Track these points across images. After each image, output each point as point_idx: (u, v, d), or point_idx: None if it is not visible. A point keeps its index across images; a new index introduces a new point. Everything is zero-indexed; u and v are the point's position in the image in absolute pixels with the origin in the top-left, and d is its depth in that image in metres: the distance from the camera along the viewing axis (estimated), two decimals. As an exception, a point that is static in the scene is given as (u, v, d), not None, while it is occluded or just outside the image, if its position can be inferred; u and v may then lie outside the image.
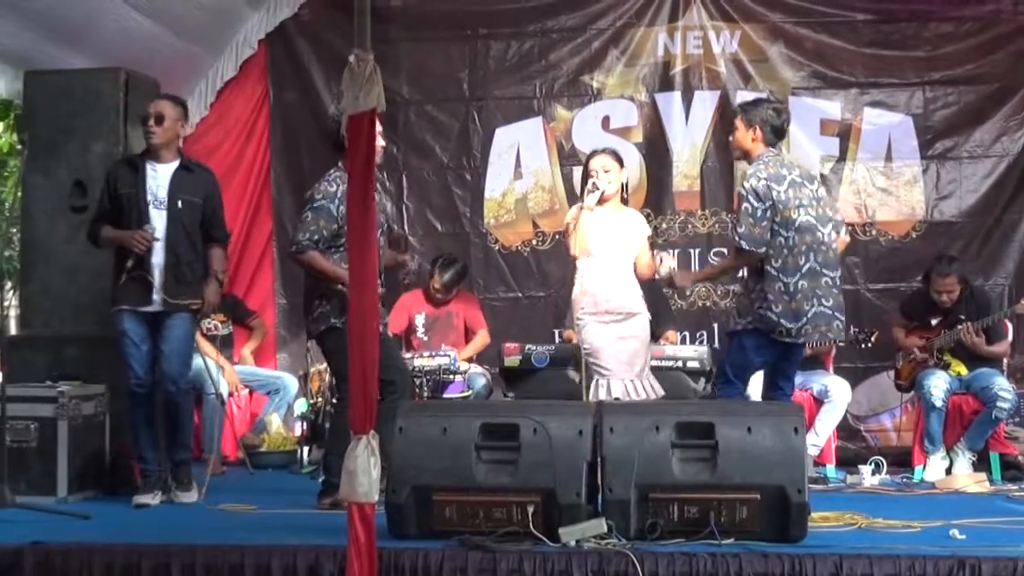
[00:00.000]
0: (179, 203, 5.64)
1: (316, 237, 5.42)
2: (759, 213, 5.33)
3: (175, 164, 5.71)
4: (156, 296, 5.58)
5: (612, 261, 5.83)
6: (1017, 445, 6.75)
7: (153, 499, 5.52)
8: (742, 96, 7.68)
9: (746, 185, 5.42)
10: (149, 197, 5.61)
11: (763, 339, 5.41)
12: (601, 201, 5.81)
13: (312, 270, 5.49)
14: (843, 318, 5.56)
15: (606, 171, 5.86)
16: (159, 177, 5.65)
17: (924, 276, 6.94)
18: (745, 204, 5.39)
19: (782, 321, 5.33)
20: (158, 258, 5.57)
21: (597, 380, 5.74)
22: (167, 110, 5.72)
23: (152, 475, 5.59)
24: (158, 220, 5.60)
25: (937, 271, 6.78)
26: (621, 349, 5.75)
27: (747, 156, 5.60)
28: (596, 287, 5.79)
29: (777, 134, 5.54)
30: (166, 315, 5.61)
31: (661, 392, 5.82)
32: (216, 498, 5.60)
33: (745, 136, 5.55)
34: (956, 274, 6.77)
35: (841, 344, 7.02)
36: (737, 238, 5.44)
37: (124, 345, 5.60)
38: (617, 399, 5.55)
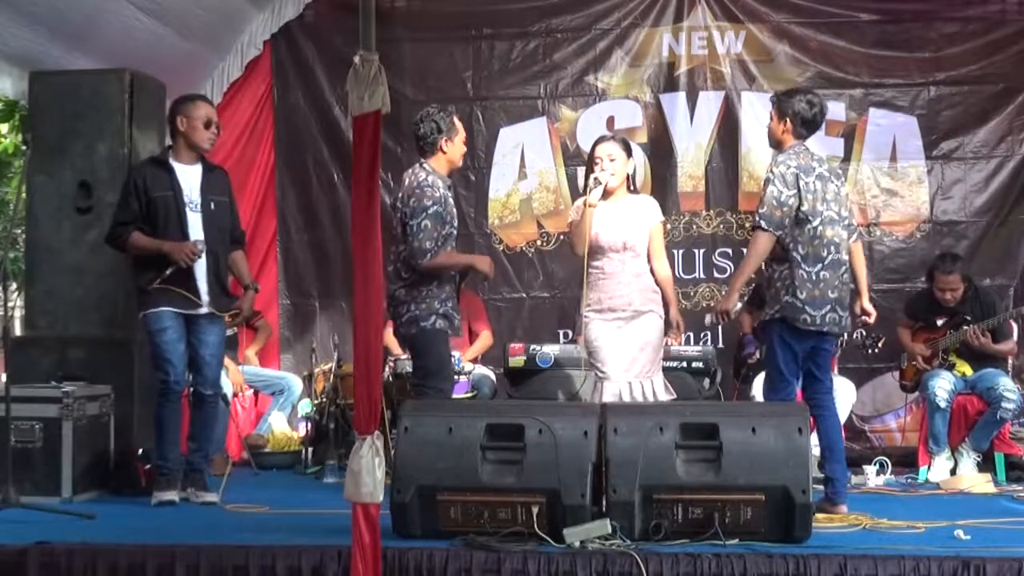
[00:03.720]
0: (211, 204, 5.65)
1: (441, 243, 5.56)
2: (783, 197, 5.20)
3: (199, 165, 5.70)
4: (204, 303, 5.58)
5: (620, 256, 5.68)
6: (1022, 446, 6.74)
7: (176, 495, 5.54)
8: (747, 97, 7.73)
9: (774, 170, 5.27)
10: (185, 199, 5.58)
11: (789, 329, 5.27)
12: (605, 195, 5.66)
13: (441, 270, 5.62)
14: (847, 315, 5.48)
15: (612, 159, 5.70)
16: (188, 179, 5.64)
17: (927, 275, 6.94)
18: (771, 187, 5.24)
19: (807, 308, 5.21)
20: (201, 264, 5.55)
21: (594, 383, 5.66)
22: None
23: (170, 474, 5.58)
24: (194, 223, 5.58)
25: (940, 269, 6.78)
26: (621, 350, 5.58)
27: (779, 146, 5.45)
28: (602, 283, 5.66)
29: (808, 127, 5.38)
30: (206, 319, 5.62)
31: (670, 395, 5.68)
32: (220, 498, 5.59)
33: (777, 127, 5.42)
34: (959, 272, 6.77)
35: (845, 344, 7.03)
36: (757, 217, 5.28)
37: (164, 343, 5.52)
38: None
